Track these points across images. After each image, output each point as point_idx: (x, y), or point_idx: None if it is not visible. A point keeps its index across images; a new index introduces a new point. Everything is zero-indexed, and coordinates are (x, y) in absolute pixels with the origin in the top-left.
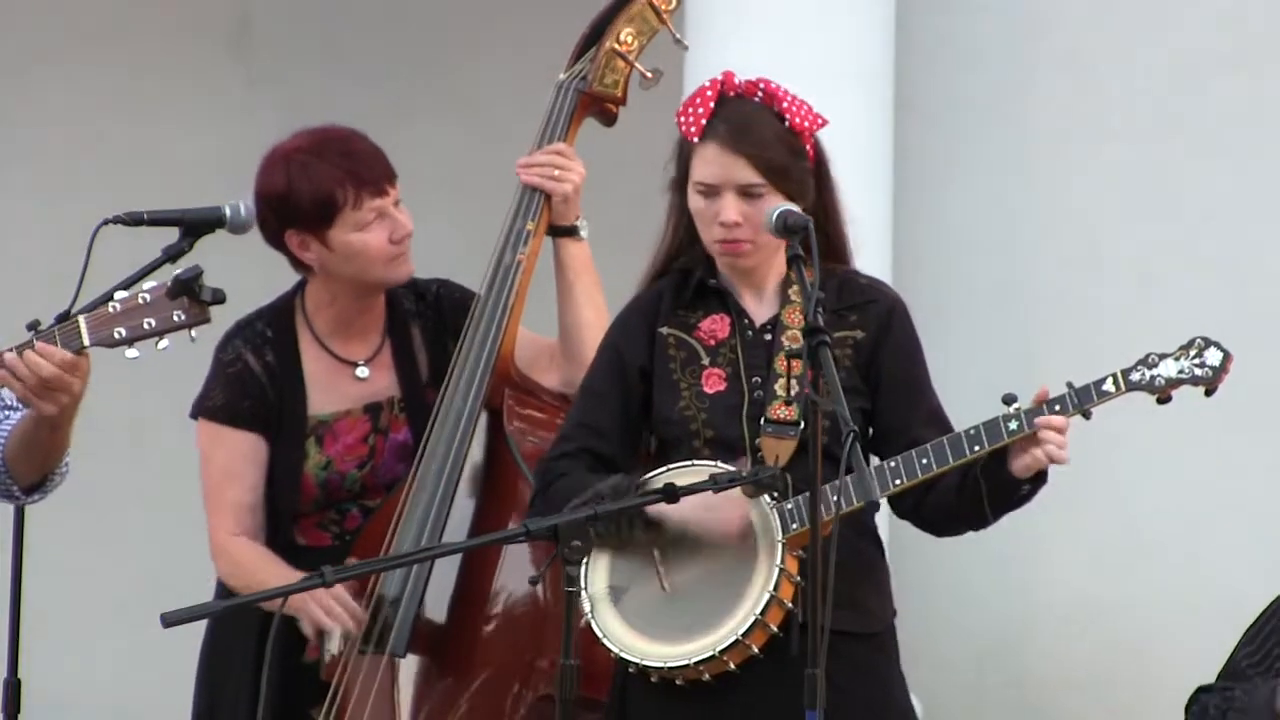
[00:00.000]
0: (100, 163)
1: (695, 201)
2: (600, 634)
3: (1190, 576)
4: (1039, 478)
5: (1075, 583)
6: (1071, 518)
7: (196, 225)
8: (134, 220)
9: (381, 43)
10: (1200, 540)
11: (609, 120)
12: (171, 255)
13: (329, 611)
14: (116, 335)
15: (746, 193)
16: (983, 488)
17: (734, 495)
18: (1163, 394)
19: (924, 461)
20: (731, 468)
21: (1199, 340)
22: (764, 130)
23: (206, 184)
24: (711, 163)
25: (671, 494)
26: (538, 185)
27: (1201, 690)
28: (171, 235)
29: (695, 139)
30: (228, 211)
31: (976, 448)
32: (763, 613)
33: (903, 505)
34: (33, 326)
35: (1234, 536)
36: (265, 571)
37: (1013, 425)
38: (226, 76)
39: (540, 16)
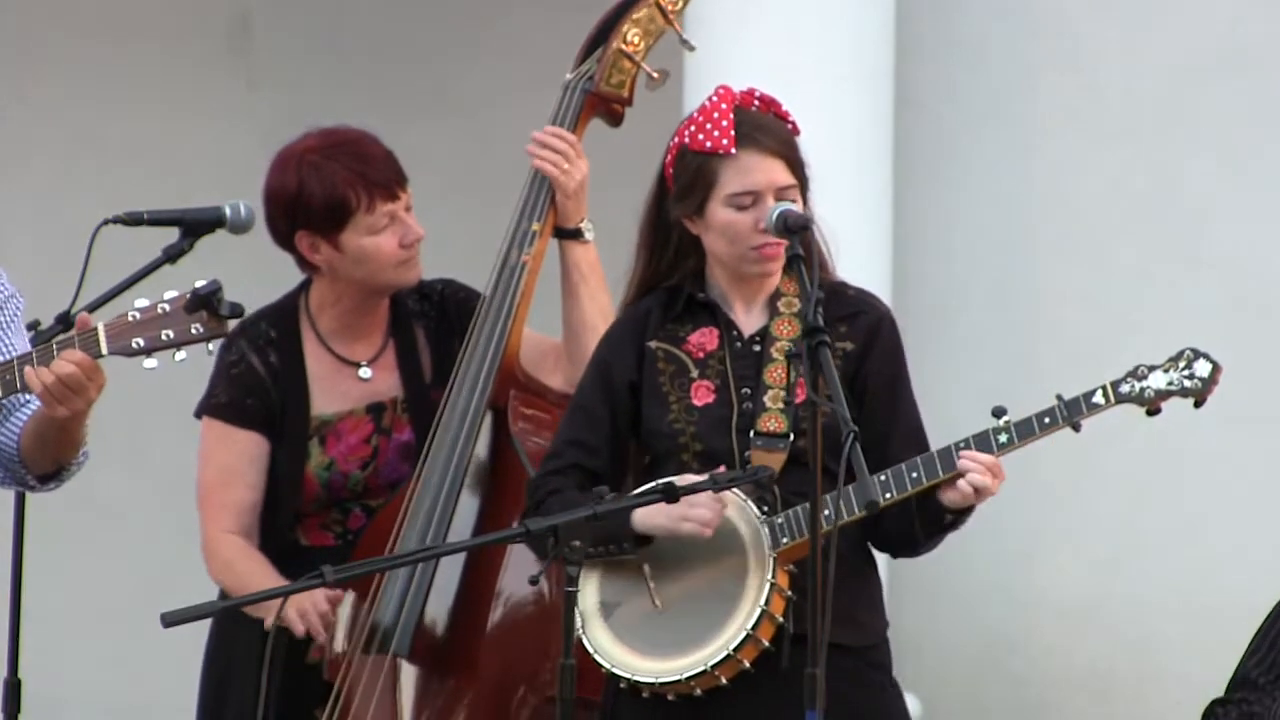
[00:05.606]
0: (99, 162)
1: (728, 215)
2: (591, 649)
3: (1190, 576)
4: (966, 508)
5: (1075, 583)
6: (1071, 518)
7: (196, 225)
8: (134, 220)
9: (381, 43)
10: (1201, 540)
11: (615, 121)
12: (171, 255)
13: (302, 615)
14: (135, 345)
15: (780, 197)
16: (914, 511)
17: (707, 496)
18: (1152, 406)
19: (914, 475)
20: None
21: (1188, 351)
22: (783, 133)
23: (206, 184)
24: (753, 170)
25: (671, 493)
26: (547, 171)
27: (1216, 703)
28: (171, 235)
29: (730, 150)
30: (228, 211)
31: None
32: (754, 627)
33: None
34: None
35: (1234, 536)
36: (255, 574)
37: (1003, 438)
38: (226, 76)
39: (539, 17)
